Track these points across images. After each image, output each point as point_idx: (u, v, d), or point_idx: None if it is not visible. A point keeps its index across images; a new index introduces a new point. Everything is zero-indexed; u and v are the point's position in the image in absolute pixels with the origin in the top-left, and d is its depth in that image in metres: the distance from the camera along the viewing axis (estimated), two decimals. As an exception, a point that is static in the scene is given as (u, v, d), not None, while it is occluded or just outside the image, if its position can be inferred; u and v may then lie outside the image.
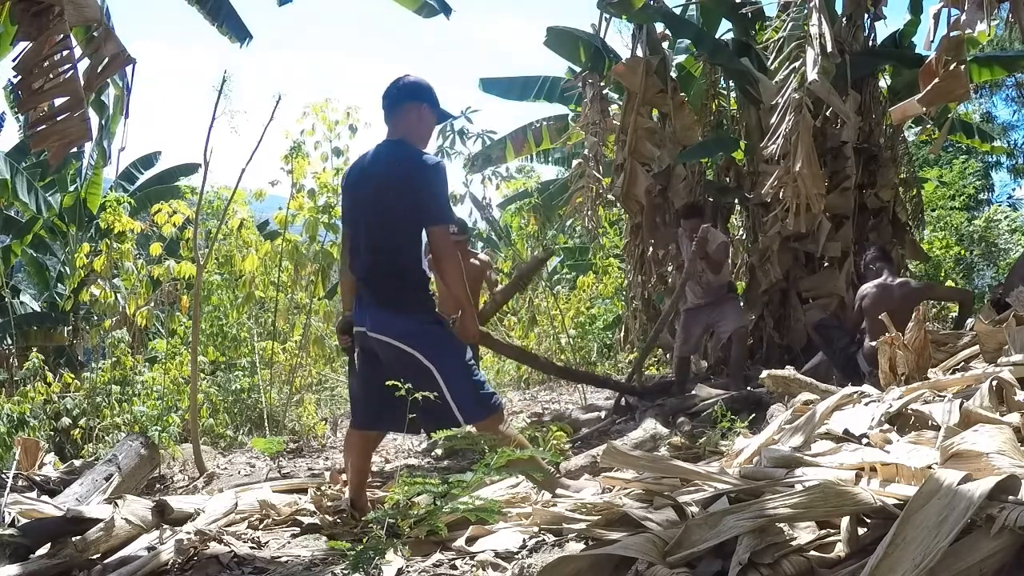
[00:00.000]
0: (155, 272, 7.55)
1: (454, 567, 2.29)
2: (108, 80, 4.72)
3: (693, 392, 5.47)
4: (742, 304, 7.95)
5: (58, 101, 3.51)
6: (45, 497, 3.86)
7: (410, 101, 3.03)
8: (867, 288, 5.30)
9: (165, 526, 2.91)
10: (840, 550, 1.83)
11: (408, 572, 2.27)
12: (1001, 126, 19.68)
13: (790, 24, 5.92)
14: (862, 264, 5.74)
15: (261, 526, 3.05)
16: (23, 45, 3.45)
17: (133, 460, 4.41)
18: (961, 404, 2.58)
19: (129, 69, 3.81)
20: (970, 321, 4.73)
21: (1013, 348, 3.23)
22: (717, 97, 8.43)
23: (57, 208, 11.06)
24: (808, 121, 5.81)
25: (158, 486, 4.88)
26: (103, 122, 10.84)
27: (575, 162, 9.36)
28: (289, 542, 2.78)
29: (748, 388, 5.32)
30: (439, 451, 5.17)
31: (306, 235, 7.18)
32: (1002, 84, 18.21)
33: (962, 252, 12.91)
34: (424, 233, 2.98)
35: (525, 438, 3.66)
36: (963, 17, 4.29)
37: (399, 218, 2.94)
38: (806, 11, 5.81)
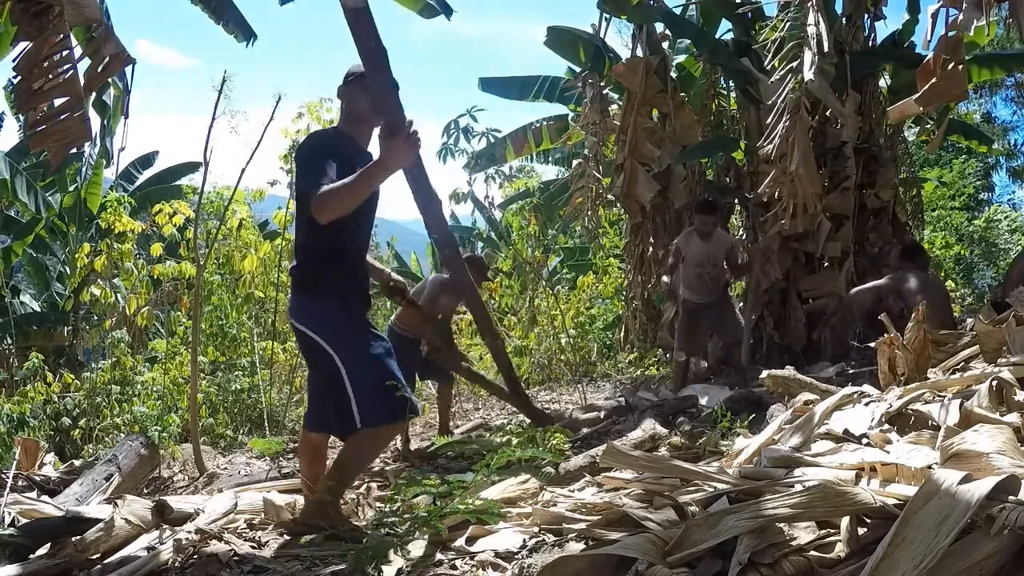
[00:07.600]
0: (155, 272, 7.55)
1: (454, 567, 2.29)
2: (108, 80, 4.71)
3: (692, 392, 5.46)
4: (741, 305, 7.94)
5: (58, 101, 3.51)
6: (45, 497, 3.86)
7: (342, 92, 2.95)
8: (909, 276, 5.21)
9: (165, 526, 2.91)
10: (840, 550, 1.83)
11: (408, 572, 2.27)
12: (1001, 127, 19.65)
13: (788, 24, 5.91)
14: (890, 258, 5.80)
15: (259, 525, 3.05)
16: (23, 45, 3.45)
17: (133, 460, 4.42)
18: (961, 404, 2.57)
19: (129, 69, 3.81)
20: (970, 321, 4.73)
21: (1013, 348, 3.22)
22: (717, 97, 8.43)
23: (57, 208, 11.05)
24: (805, 121, 5.81)
25: (158, 486, 4.88)
26: (105, 122, 10.84)
27: (575, 162, 9.37)
28: (289, 542, 2.77)
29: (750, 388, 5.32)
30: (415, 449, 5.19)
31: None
32: (1002, 84, 18.20)
33: (962, 252, 12.93)
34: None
35: (515, 441, 3.66)
36: (961, 17, 4.29)
37: (298, 204, 2.88)
38: (804, 11, 5.80)
